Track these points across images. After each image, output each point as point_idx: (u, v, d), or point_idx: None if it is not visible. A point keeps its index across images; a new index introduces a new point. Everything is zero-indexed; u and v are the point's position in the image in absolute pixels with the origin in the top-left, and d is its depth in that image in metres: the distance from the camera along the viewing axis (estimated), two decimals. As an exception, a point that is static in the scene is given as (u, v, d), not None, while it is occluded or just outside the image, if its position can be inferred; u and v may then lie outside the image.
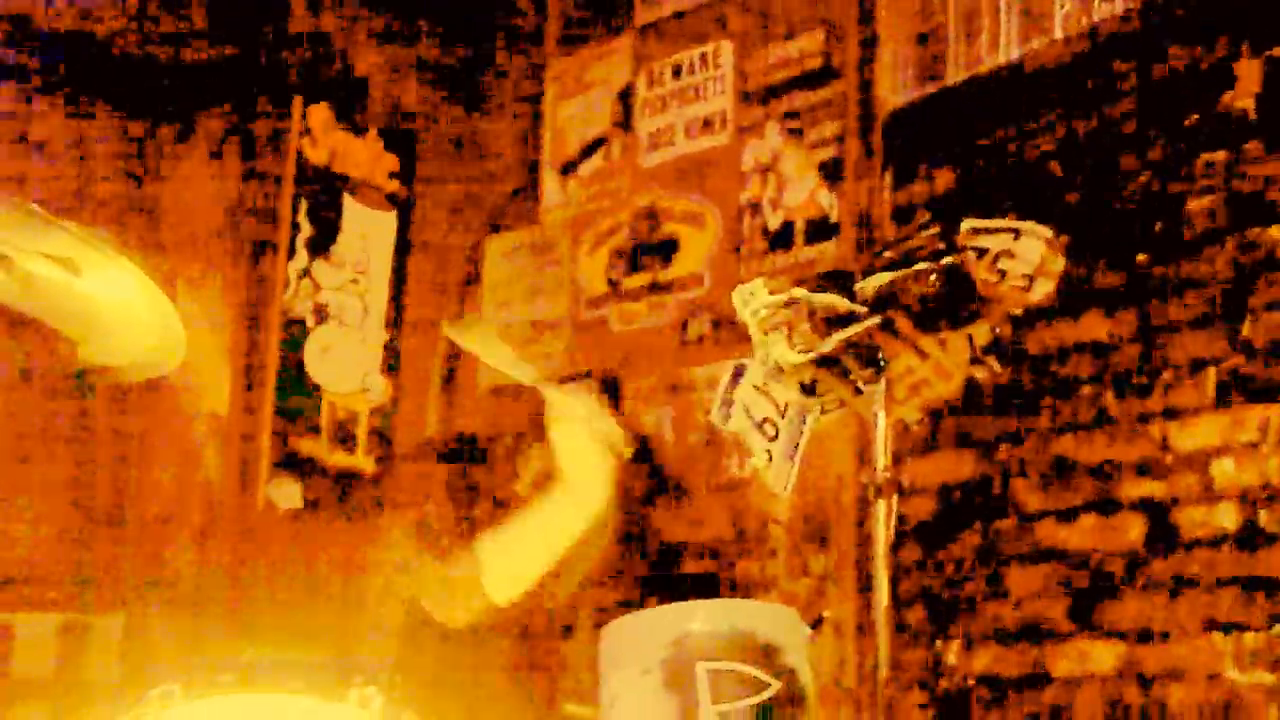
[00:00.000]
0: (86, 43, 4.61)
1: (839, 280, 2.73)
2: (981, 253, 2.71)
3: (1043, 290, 2.74)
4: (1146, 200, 3.88)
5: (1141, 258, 3.87)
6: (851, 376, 2.72)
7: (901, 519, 2.73)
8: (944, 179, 4.34)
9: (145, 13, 4.83)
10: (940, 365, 2.75)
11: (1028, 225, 2.73)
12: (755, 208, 4.92)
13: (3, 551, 4.15)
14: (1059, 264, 2.74)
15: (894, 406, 2.75)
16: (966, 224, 2.73)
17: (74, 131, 4.56)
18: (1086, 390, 3.93)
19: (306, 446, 5.17)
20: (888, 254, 2.74)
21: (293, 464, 5.12)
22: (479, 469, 3.36)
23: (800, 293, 2.69)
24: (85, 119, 4.60)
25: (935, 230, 2.75)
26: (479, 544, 3.09)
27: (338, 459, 5.23)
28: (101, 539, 4.44)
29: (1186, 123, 3.83)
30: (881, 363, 2.72)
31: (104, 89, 4.66)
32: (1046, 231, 2.73)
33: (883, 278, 2.68)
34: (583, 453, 3.01)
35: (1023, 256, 2.72)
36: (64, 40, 4.55)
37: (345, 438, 5.28)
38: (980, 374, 2.77)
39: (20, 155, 4.35)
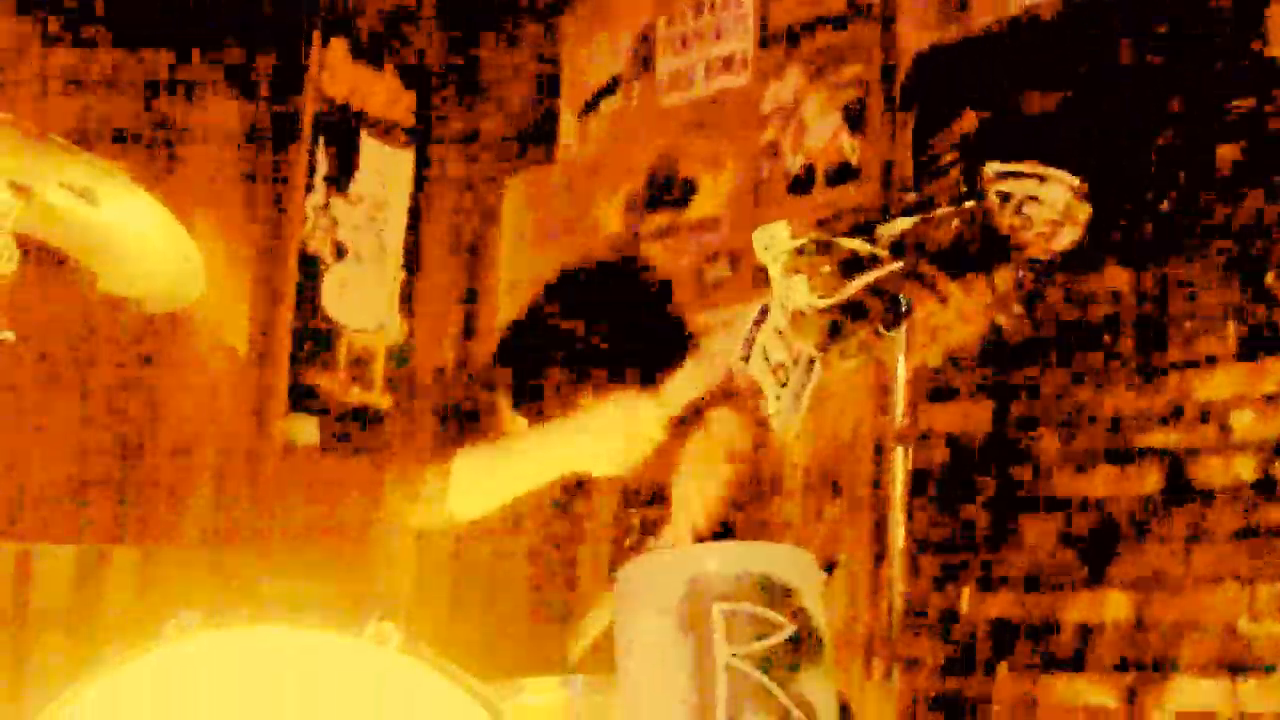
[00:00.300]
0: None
1: (862, 225, 2.72)
2: (1005, 198, 2.69)
3: (1069, 237, 2.71)
4: (1172, 148, 3.85)
5: (1165, 206, 3.85)
6: (874, 322, 2.71)
7: (918, 466, 2.72)
8: (968, 123, 4.31)
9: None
10: (962, 310, 2.74)
11: (1054, 171, 2.71)
12: (775, 150, 4.90)
13: (21, 482, 4.17)
14: (1085, 211, 2.72)
15: (916, 351, 2.74)
16: (990, 168, 2.71)
17: (94, 64, 4.55)
18: (1106, 339, 3.92)
19: (323, 383, 5.17)
20: (909, 197, 2.73)
21: (309, 400, 5.13)
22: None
23: (820, 236, 2.68)
24: (105, 51, 4.58)
25: (958, 174, 2.74)
26: (460, 454, 3.08)
27: (354, 396, 5.24)
28: (119, 471, 4.46)
29: (1215, 69, 3.80)
30: (904, 308, 2.71)
31: (123, 22, 4.64)
32: (1073, 179, 2.71)
33: (904, 222, 2.67)
34: (609, 445, 2.99)
35: (1048, 203, 2.70)
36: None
37: (362, 375, 5.28)
38: (1003, 320, 2.76)
39: (40, 87, 4.34)
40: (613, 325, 3.24)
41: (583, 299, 3.31)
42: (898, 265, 2.65)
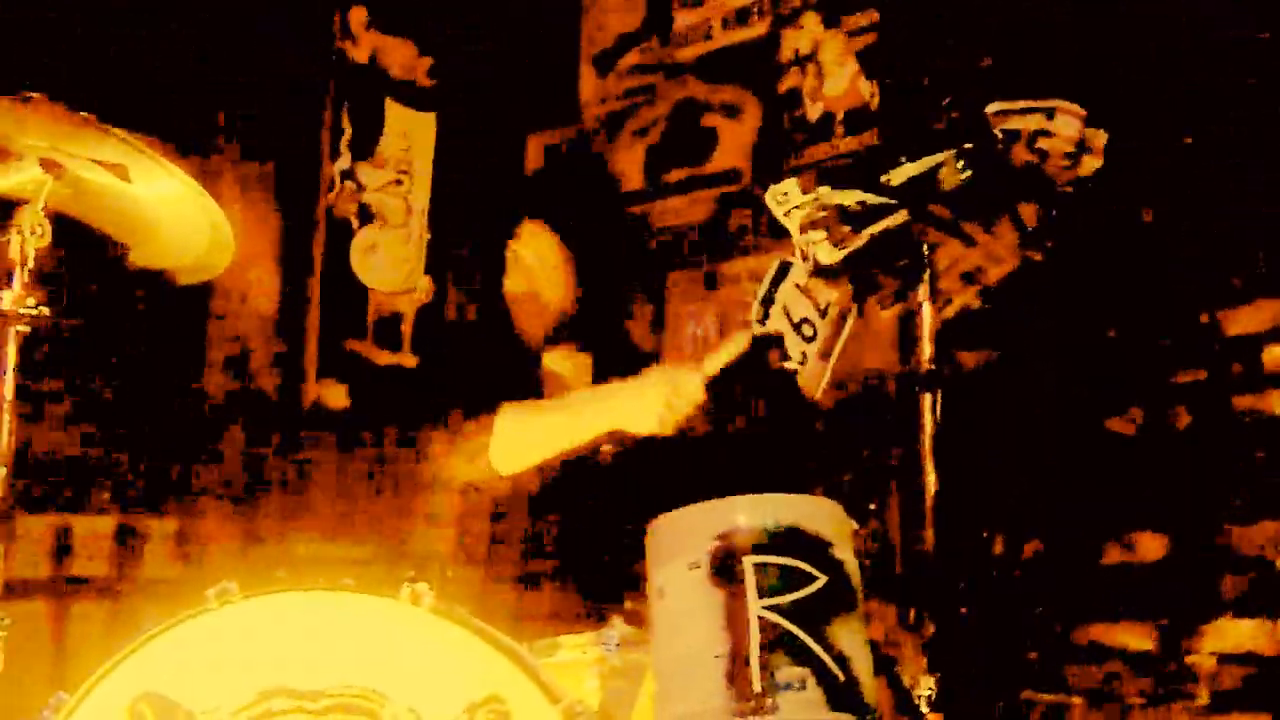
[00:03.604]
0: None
1: (868, 175, 2.72)
2: (1014, 135, 2.69)
3: (1091, 166, 2.71)
4: (1193, 75, 3.81)
5: (1189, 140, 3.83)
6: (898, 269, 2.72)
7: (947, 410, 2.73)
8: (981, 60, 4.28)
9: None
10: (991, 250, 2.74)
11: (1060, 103, 2.70)
12: (794, 98, 4.89)
13: (57, 456, 4.20)
14: (1101, 138, 2.71)
15: (953, 295, 2.75)
16: (992, 107, 2.70)
17: (119, 37, 4.55)
18: (1134, 274, 3.89)
19: (353, 346, 5.20)
20: (912, 144, 2.73)
21: (340, 363, 5.16)
22: None
23: (826, 190, 2.69)
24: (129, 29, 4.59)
25: (956, 115, 2.74)
26: (504, 410, 3.11)
27: (384, 357, 5.27)
28: (155, 441, 4.49)
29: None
30: (926, 253, 2.72)
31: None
32: (1079, 109, 2.70)
33: (910, 168, 2.67)
34: (651, 400, 3.02)
35: (1061, 134, 2.69)
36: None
37: (391, 337, 5.31)
38: (1035, 256, 2.76)
39: (69, 66, 4.36)
40: None
41: None
42: (904, 212, 2.66)
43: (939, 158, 2.65)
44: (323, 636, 2.38)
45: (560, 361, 3.43)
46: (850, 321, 2.85)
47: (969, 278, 2.77)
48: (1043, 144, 2.69)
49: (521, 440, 3.09)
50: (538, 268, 3.37)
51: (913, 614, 2.71)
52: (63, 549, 4.17)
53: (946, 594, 2.72)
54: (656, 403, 3.01)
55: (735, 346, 2.99)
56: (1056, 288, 3.70)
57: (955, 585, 3.81)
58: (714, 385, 3.02)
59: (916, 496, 2.75)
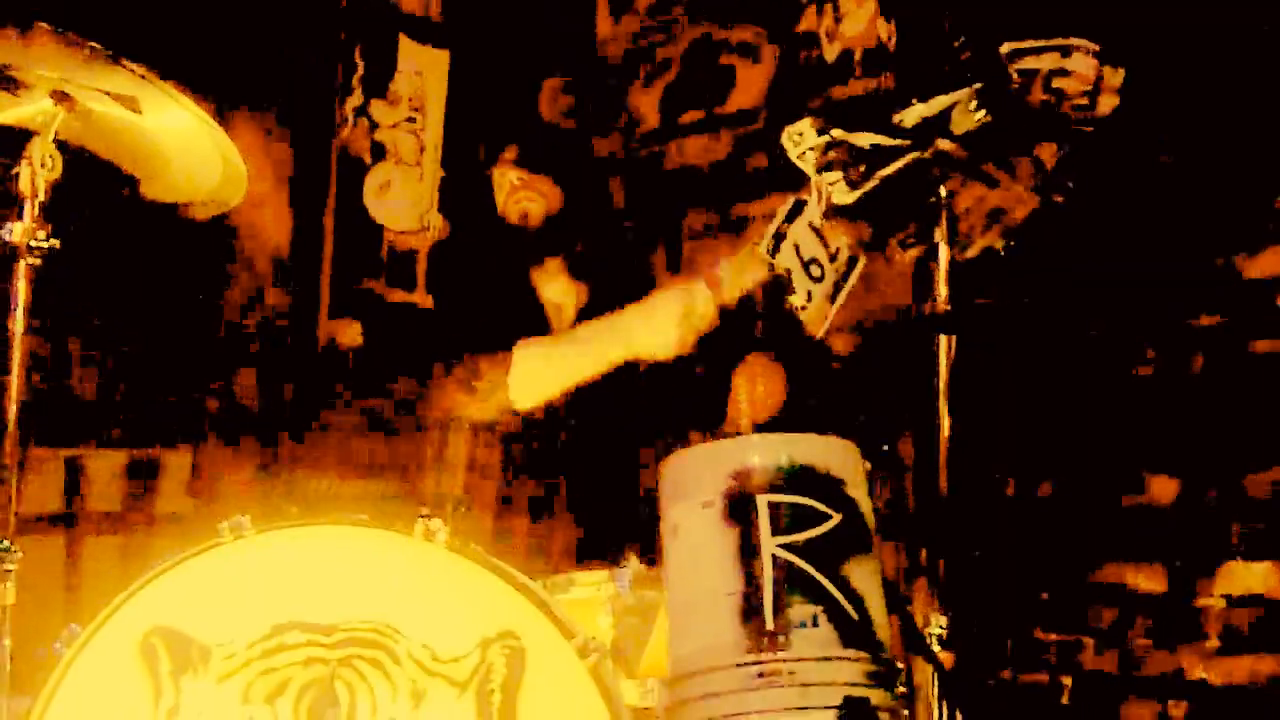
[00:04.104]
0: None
1: (880, 115, 2.70)
2: (1030, 74, 2.66)
3: (1108, 105, 2.68)
4: (1213, 13, 3.77)
5: (1208, 81, 3.79)
6: (916, 211, 2.70)
7: (963, 352, 2.72)
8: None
9: None
10: (1013, 191, 2.72)
11: (1076, 41, 2.67)
12: (812, 38, 4.86)
13: (69, 389, 4.20)
14: (1118, 77, 2.68)
15: (975, 237, 2.73)
16: (1007, 46, 2.67)
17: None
18: (1152, 217, 3.87)
19: (367, 284, 5.19)
20: (927, 84, 2.70)
21: (353, 301, 5.15)
22: None
23: (840, 132, 2.66)
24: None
25: (971, 55, 2.71)
26: (520, 345, 3.12)
27: (398, 296, 5.26)
28: (168, 375, 4.49)
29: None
30: (944, 195, 2.70)
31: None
32: (1095, 46, 2.67)
33: (921, 108, 2.65)
34: (665, 317, 3.02)
35: (1078, 73, 2.66)
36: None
37: (405, 275, 5.30)
38: (1055, 198, 2.74)
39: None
40: None
41: None
42: (918, 153, 2.64)
43: (953, 98, 2.63)
44: (336, 571, 2.39)
45: (561, 294, 3.43)
46: (860, 265, 2.84)
47: (991, 219, 2.75)
48: (1059, 83, 2.66)
49: (539, 374, 3.11)
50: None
51: (925, 554, 2.71)
52: (75, 483, 4.18)
53: (959, 534, 2.71)
54: (669, 321, 3.01)
55: (753, 274, 2.99)
56: (1075, 230, 3.68)
57: (968, 526, 3.81)
58: (727, 310, 3.03)
59: (931, 437, 2.74)
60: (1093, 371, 3.98)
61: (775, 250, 2.83)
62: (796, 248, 2.84)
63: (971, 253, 2.74)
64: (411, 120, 5.39)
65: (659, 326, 3.02)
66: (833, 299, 2.82)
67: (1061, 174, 2.75)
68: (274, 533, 2.40)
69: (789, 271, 2.83)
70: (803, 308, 2.83)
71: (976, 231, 2.75)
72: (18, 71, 2.52)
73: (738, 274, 3.00)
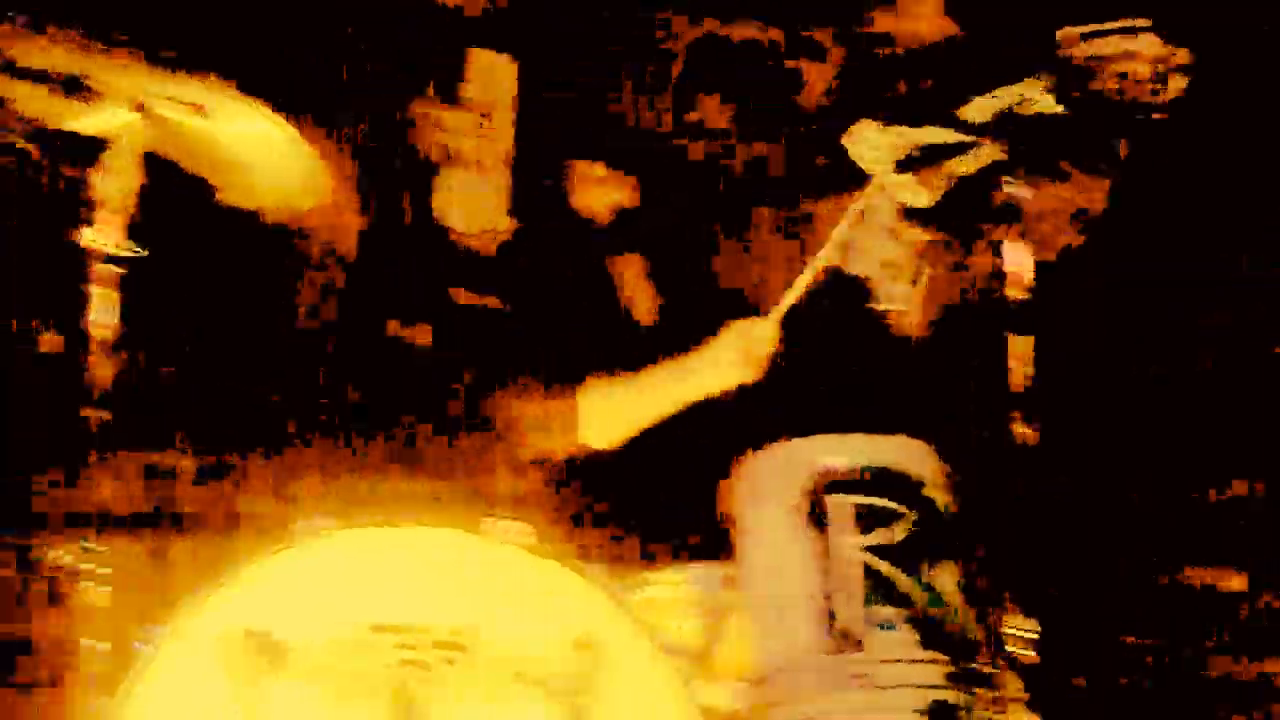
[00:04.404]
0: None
1: (944, 112, 2.67)
2: (1095, 60, 2.62)
3: (1178, 86, 2.64)
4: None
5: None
6: (989, 209, 2.68)
7: (1041, 353, 2.70)
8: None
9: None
10: (1087, 184, 2.70)
11: (1139, 20, 2.62)
12: (877, 36, 4.84)
13: (150, 393, 4.24)
14: (1184, 55, 2.64)
15: (1050, 234, 2.71)
16: (1071, 32, 2.63)
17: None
18: (1230, 208, 3.81)
19: (436, 286, 5.20)
20: (994, 78, 2.67)
21: (423, 303, 5.17)
22: None
23: (904, 130, 2.65)
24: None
25: (1037, 46, 2.67)
26: (588, 386, 3.13)
27: (467, 299, 5.27)
28: (245, 378, 4.52)
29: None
30: (1017, 191, 2.67)
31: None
32: (1158, 27, 2.62)
33: (985, 103, 2.62)
34: (729, 357, 3.02)
35: (1144, 55, 2.63)
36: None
37: (474, 278, 5.31)
38: (1128, 190, 2.71)
39: (158, 12, 4.37)
40: None
41: None
42: (989, 149, 2.61)
43: (1021, 90, 2.60)
44: (417, 572, 2.39)
45: (636, 291, 3.44)
46: (939, 263, 2.82)
47: (1067, 216, 2.73)
48: (1126, 67, 2.62)
49: (611, 416, 3.12)
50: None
51: (1005, 556, 2.69)
52: (157, 485, 4.21)
53: (1040, 537, 2.69)
54: (733, 359, 3.02)
55: (801, 286, 2.98)
56: (1154, 224, 3.64)
57: (1047, 529, 3.79)
58: (789, 327, 3.01)
59: (1009, 440, 2.72)
60: (1173, 371, 3.95)
61: (848, 259, 2.82)
62: (870, 251, 2.83)
63: (1050, 252, 2.72)
64: (480, 124, 5.41)
65: (725, 366, 3.03)
66: (916, 298, 2.81)
67: (1135, 166, 2.73)
68: (354, 533, 2.41)
69: (867, 278, 2.82)
70: (887, 310, 2.82)
71: (1055, 228, 2.73)
72: (94, 81, 2.54)
73: (793, 295, 3.00)
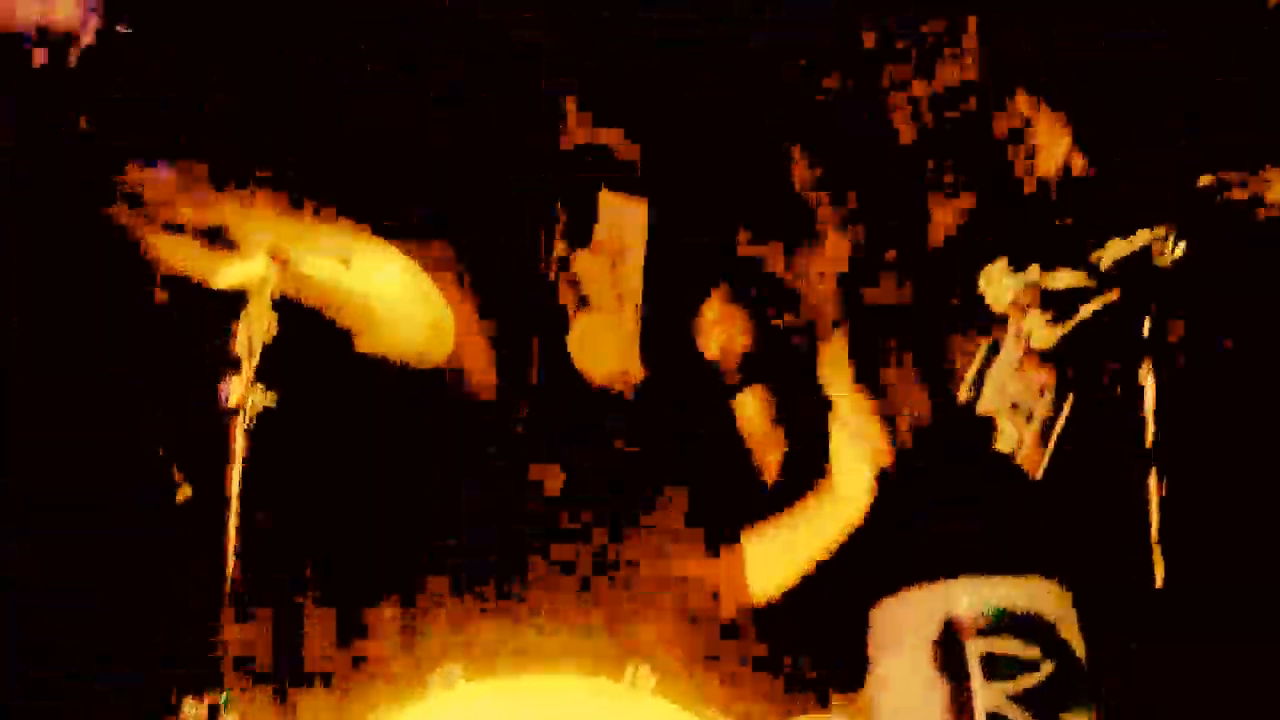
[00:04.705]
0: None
1: (1078, 254, 2.66)
2: (1228, 205, 2.60)
3: None
4: None
5: None
6: (1120, 347, 2.66)
7: (1173, 488, 2.66)
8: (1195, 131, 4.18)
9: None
10: (1221, 320, 2.66)
11: (1270, 172, 2.60)
12: (1006, 176, 4.84)
13: (281, 544, 4.28)
14: None
15: (1183, 367, 2.67)
16: (1204, 180, 2.62)
17: (342, 132, 4.68)
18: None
19: (569, 431, 5.24)
20: (1125, 220, 2.66)
21: (556, 448, 5.20)
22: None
23: (1036, 272, 2.64)
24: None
25: (1169, 190, 2.66)
26: (746, 540, 3.13)
27: (600, 442, 5.30)
28: (379, 528, 4.56)
29: None
30: (1148, 328, 2.65)
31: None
32: None
33: (1120, 246, 2.61)
34: (855, 468, 3.01)
35: (1275, 199, 2.60)
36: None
37: (606, 422, 5.34)
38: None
39: (293, 159, 4.48)
40: None
41: None
42: (1118, 290, 2.59)
43: (1151, 234, 2.58)
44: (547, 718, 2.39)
45: (762, 429, 3.43)
46: (1070, 402, 2.79)
47: (1199, 348, 2.70)
48: (1259, 212, 2.61)
49: (772, 564, 3.11)
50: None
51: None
52: (288, 634, 4.24)
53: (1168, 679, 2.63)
54: (860, 466, 2.99)
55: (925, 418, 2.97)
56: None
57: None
58: (914, 453, 3.00)
59: (1147, 578, 2.67)
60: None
61: (977, 394, 2.81)
62: (1000, 390, 2.81)
63: (1182, 385, 2.68)
64: (612, 267, 5.47)
65: (856, 479, 3.00)
66: (1047, 438, 2.78)
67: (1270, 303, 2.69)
68: (485, 683, 2.42)
69: (994, 416, 2.80)
70: (1016, 450, 2.79)
71: (1184, 362, 2.70)
72: (236, 233, 2.59)
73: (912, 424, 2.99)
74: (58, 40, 3.95)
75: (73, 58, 3.93)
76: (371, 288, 2.70)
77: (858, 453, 2.98)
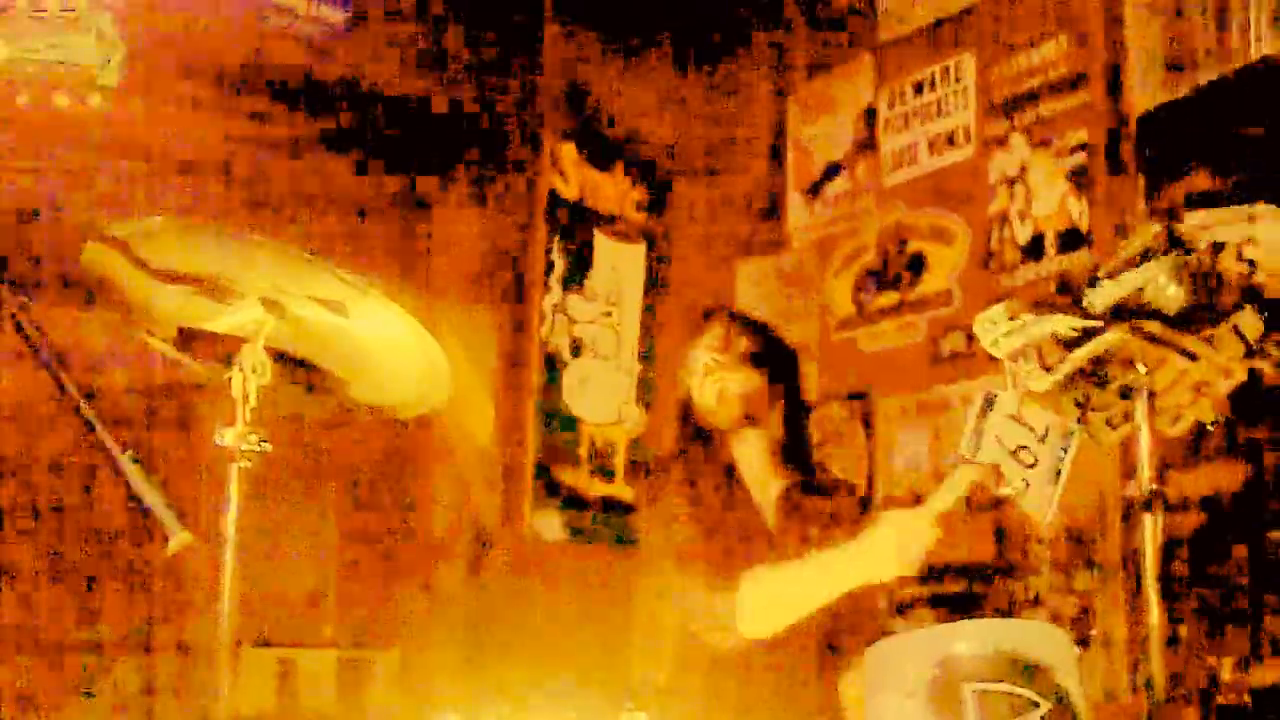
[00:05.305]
0: (354, 95, 4.75)
1: (1069, 297, 2.66)
2: (1219, 246, 2.61)
3: None
4: None
5: None
6: (1118, 390, 2.66)
7: (1170, 532, 2.65)
8: (1201, 180, 4.22)
9: (405, 64, 4.97)
10: (1215, 363, 2.66)
11: (1260, 208, 2.61)
12: (1004, 220, 4.86)
13: (282, 590, 4.28)
14: None
15: (1181, 411, 2.67)
16: (1194, 218, 2.63)
17: (342, 182, 4.70)
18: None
19: (568, 477, 5.25)
20: (1111, 262, 2.67)
21: (555, 495, 5.21)
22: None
23: (1029, 317, 2.64)
24: (354, 172, 4.74)
25: (1157, 231, 2.67)
26: (746, 577, 3.13)
27: (597, 488, 5.31)
28: (376, 574, 4.56)
29: None
30: (1143, 372, 2.65)
31: (369, 142, 4.80)
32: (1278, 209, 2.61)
33: (1111, 287, 2.61)
34: (885, 550, 3.02)
35: (1268, 241, 2.61)
36: (336, 92, 4.69)
37: (604, 468, 5.35)
38: (1265, 367, 2.67)
39: (292, 205, 4.50)
40: None
41: None
42: (1114, 333, 2.60)
43: (1145, 275, 2.59)
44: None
45: (762, 474, 3.43)
46: (1075, 446, 2.79)
47: (1198, 391, 2.69)
48: (1250, 253, 2.61)
49: (768, 605, 3.11)
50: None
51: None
52: (287, 682, 4.24)
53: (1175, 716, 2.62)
54: (891, 552, 3.00)
55: (961, 486, 2.96)
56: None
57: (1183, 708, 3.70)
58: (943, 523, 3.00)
59: (1141, 622, 2.67)
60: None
61: (976, 448, 2.81)
62: (999, 440, 2.81)
63: (1180, 428, 2.68)
64: (608, 314, 5.48)
65: (882, 558, 3.01)
66: (1053, 482, 2.78)
67: (1267, 344, 2.69)
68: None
69: (997, 466, 2.80)
70: (1020, 497, 2.79)
71: (1183, 406, 2.69)
72: (232, 281, 2.59)
73: (951, 491, 2.98)
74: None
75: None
76: (368, 335, 2.70)
77: (895, 542, 2.99)
